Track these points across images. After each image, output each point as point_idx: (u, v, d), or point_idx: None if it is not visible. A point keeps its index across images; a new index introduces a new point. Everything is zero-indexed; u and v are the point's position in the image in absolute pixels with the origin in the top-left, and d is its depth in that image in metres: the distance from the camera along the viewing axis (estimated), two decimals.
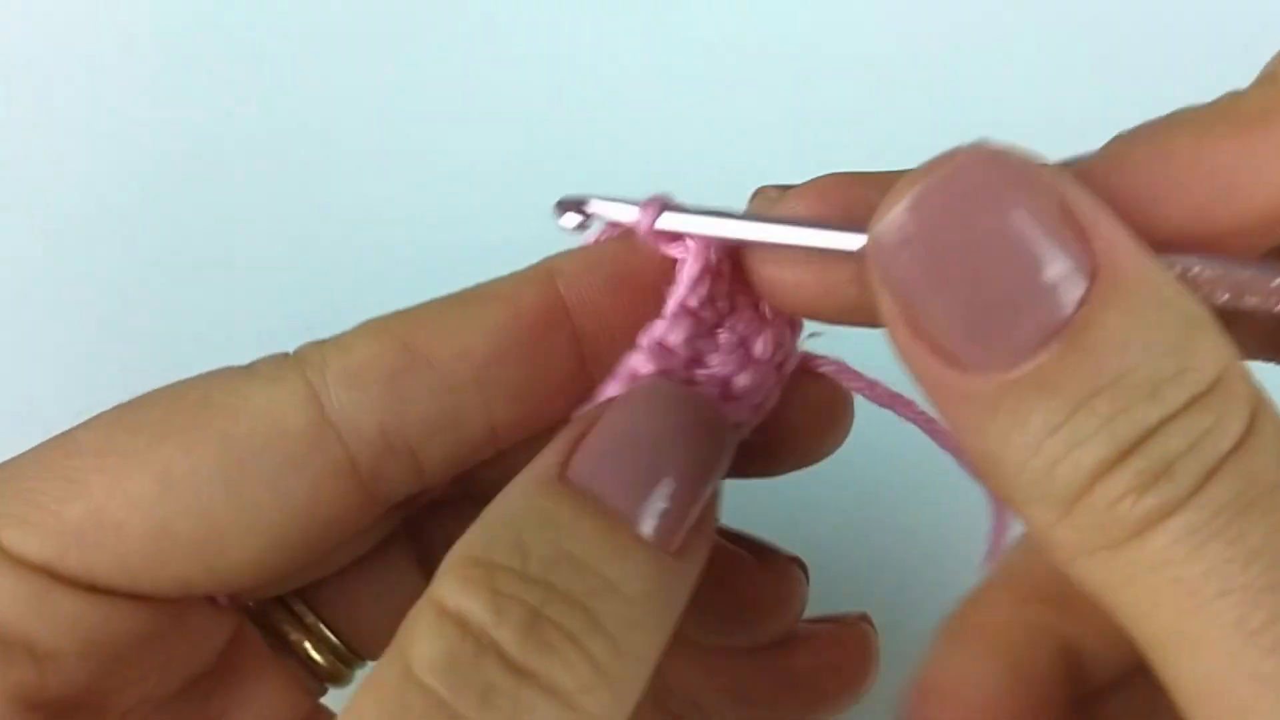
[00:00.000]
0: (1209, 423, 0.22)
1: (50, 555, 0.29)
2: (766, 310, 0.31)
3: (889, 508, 0.51)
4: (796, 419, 0.34)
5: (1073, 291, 0.23)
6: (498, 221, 0.53)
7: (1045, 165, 0.24)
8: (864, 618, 0.40)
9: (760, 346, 0.31)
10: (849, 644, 0.40)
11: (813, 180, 0.29)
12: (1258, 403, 0.23)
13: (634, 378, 0.31)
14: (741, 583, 0.38)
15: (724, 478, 0.30)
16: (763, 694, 0.39)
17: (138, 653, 0.31)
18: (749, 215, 0.29)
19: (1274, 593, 0.22)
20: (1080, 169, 0.25)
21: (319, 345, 0.31)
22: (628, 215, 0.31)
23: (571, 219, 0.31)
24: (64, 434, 0.31)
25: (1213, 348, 0.23)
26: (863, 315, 0.29)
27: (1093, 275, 0.23)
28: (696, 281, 0.30)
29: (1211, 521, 0.22)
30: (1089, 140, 0.27)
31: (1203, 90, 0.26)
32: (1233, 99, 0.25)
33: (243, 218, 0.58)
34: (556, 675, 0.25)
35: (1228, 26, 0.54)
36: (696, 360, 0.31)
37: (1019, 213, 0.23)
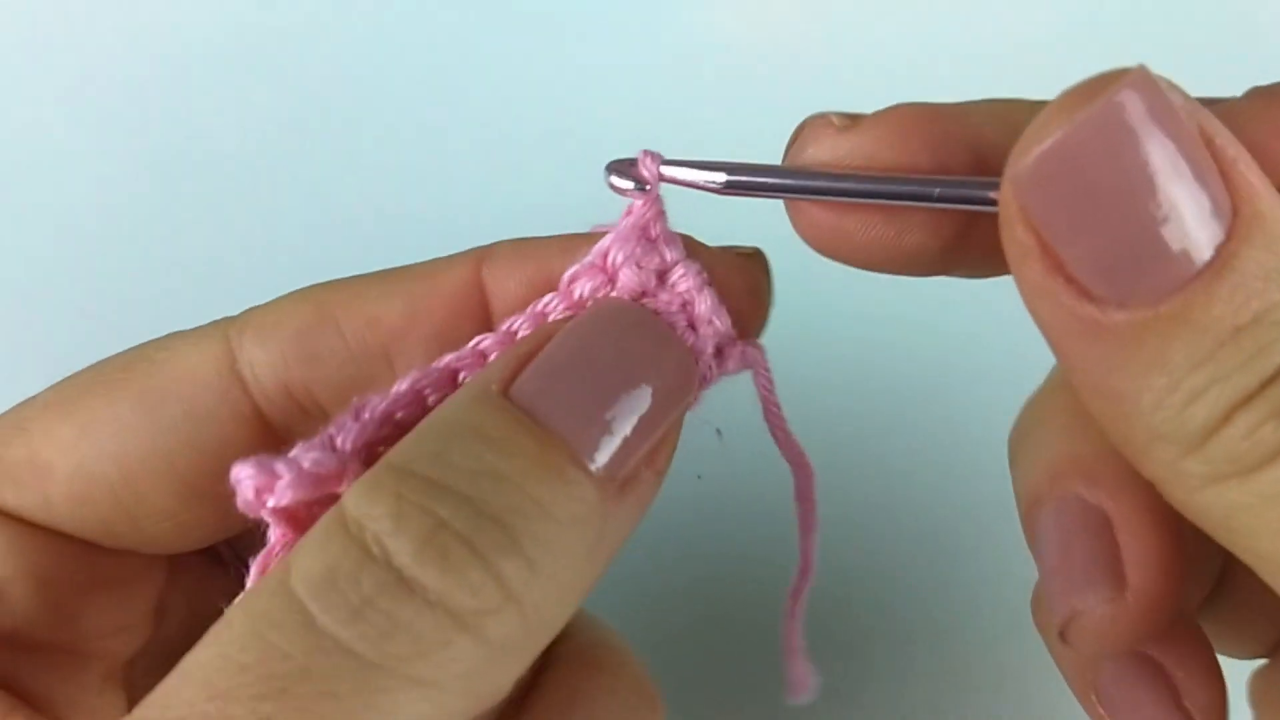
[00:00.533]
0: None
1: None
2: (701, 315, 0.29)
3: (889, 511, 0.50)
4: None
5: (1215, 227, 0.22)
6: (500, 219, 0.52)
7: (1188, 98, 0.23)
8: None
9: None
10: None
11: (887, 111, 0.28)
12: None
13: (542, 316, 0.29)
14: None
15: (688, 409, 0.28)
16: None
17: (108, 598, 0.32)
18: (834, 174, 0.28)
19: None
20: (1221, 111, 0.24)
21: (254, 308, 0.32)
22: (694, 178, 0.29)
23: (624, 181, 0.29)
24: (36, 394, 0.32)
25: None
26: (922, 266, 0.29)
27: (1233, 211, 0.22)
28: (623, 234, 0.29)
29: None
30: None
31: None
32: None
33: (243, 216, 0.56)
34: (452, 592, 0.23)
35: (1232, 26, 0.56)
36: None
37: (1168, 146, 0.22)
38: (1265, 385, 0.22)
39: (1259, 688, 0.37)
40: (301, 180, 0.57)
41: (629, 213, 0.29)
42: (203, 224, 0.56)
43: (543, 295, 0.30)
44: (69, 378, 0.32)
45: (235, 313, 0.32)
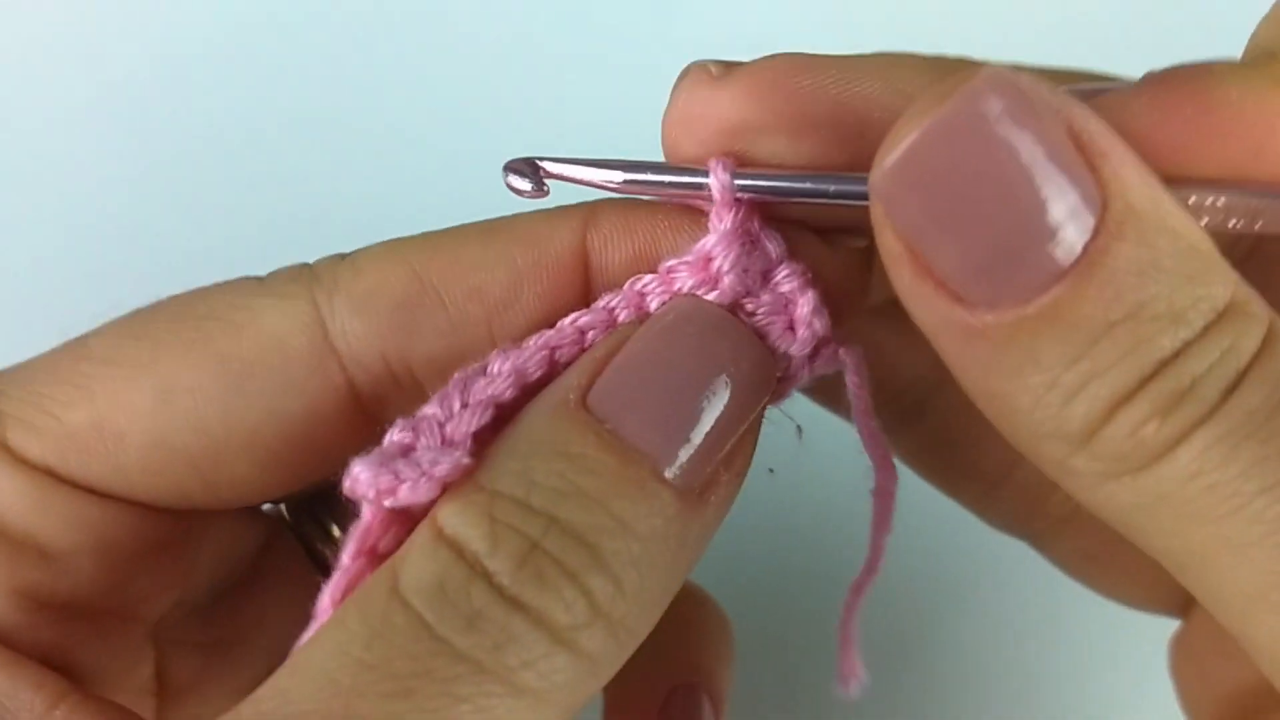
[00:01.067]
0: (1227, 342, 0.22)
1: (52, 458, 0.29)
2: (801, 317, 0.29)
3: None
4: None
5: (1084, 224, 0.22)
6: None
7: (1053, 91, 0.22)
8: None
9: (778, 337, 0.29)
10: None
11: (760, 62, 0.27)
12: (1273, 317, 0.23)
13: (640, 297, 0.28)
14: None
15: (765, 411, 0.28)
16: None
17: (157, 559, 0.31)
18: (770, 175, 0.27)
19: None
20: (1112, 101, 0.24)
21: (335, 262, 0.30)
22: (589, 175, 0.28)
23: (522, 182, 0.29)
24: (77, 339, 0.30)
25: (1222, 273, 0.23)
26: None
27: (1103, 206, 0.22)
28: (725, 240, 0.28)
29: (1243, 425, 0.22)
30: None
31: None
32: (1272, 59, 0.24)
33: (242, 212, 0.56)
34: (550, 609, 0.23)
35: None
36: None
37: (1027, 144, 0.22)
38: (1145, 381, 0.22)
39: (1177, 656, 0.37)
40: (303, 175, 0.57)
41: (719, 217, 0.28)
42: (202, 220, 0.56)
43: (642, 272, 0.29)
44: (121, 326, 0.30)
45: None
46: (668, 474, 0.25)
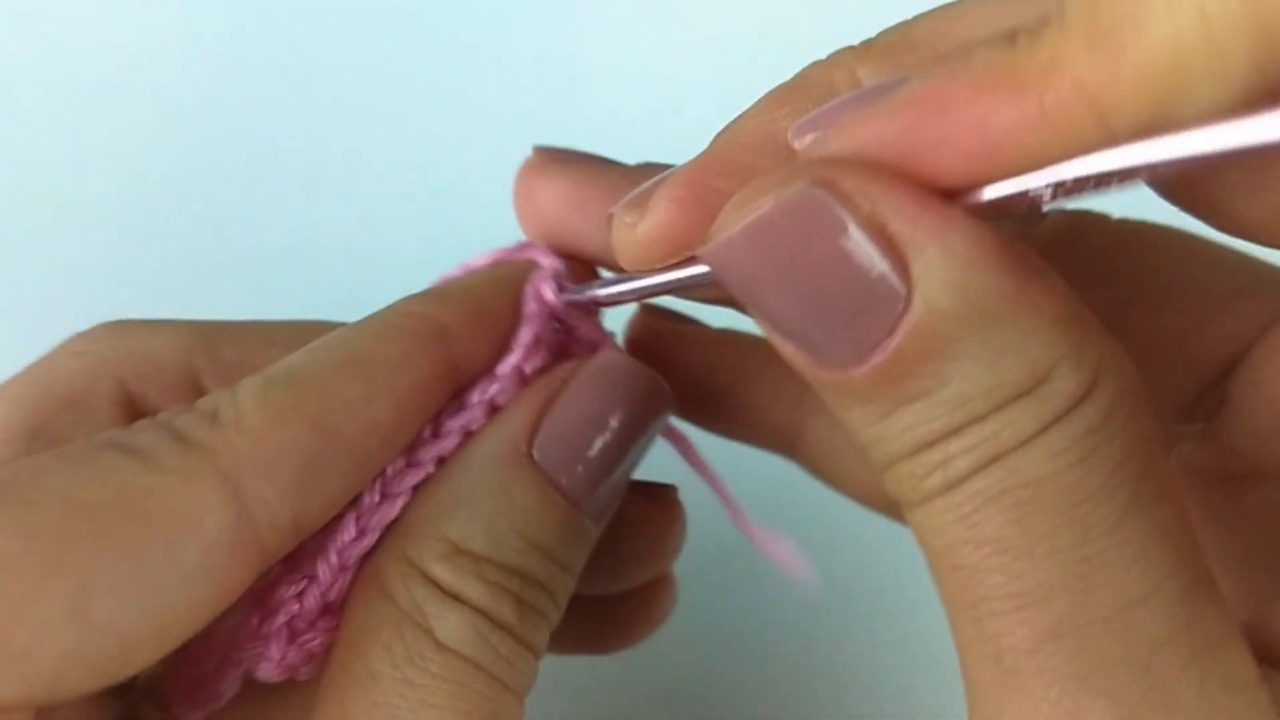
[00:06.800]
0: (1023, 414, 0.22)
1: None
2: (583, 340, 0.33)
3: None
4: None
5: (891, 313, 0.22)
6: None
7: (867, 182, 0.23)
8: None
9: None
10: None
11: (660, 190, 0.29)
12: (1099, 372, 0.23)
13: (492, 407, 0.31)
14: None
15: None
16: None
17: None
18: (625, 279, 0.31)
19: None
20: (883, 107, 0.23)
21: (220, 430, 0.27)
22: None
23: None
24: None
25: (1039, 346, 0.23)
26: None
27: (905, 303, 0.22)
28: (530, 349, 0.31)
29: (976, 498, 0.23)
30: None
31: None
32: (1008, 51, 0.21)
33: (246, 219, 0.57)
34: (533, 639, 0.30)
35: None
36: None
37: (846, 233, 0.22)
38: (952, 434, 0.23)
39: (811, 463, 0.39)
40: (298, 177, 0.58)
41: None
42: (195, 216, 0.57)
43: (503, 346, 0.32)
44: (8, 527, 0.25)
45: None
46: (587, 511, 0.31)
